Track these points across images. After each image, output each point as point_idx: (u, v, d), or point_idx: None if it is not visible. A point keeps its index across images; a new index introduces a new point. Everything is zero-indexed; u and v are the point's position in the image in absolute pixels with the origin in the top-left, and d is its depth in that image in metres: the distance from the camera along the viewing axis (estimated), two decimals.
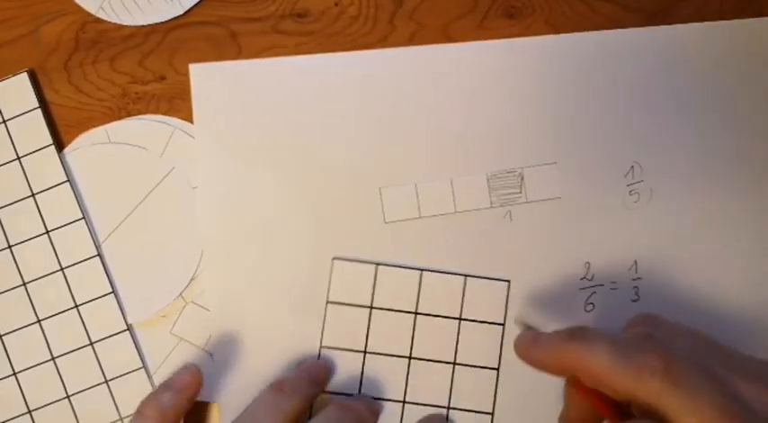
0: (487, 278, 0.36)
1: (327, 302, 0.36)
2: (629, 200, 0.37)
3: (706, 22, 0.37)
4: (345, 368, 0.36)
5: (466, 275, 0.36)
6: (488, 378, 0.36)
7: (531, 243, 0.36)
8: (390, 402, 0.36)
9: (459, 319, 0.36)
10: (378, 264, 0.36)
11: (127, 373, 0.37)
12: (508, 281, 0.36)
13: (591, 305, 0.36)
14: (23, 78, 0.37)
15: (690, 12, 0.38)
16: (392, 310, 0.36)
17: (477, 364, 0.36)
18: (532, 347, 0.30)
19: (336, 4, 0.38)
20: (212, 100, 0.37)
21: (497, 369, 0.36)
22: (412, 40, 0.38)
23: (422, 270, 0.36)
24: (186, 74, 0.38)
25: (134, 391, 0.36)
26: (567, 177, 0.37)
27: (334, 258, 0.36)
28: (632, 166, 0.37)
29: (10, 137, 0.37)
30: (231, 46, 0.38)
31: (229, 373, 0.36)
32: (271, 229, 0.37)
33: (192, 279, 0.37)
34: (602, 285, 0.36)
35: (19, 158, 0.37)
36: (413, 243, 0.36)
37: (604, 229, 0.36)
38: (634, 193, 0.37)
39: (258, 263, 0.36)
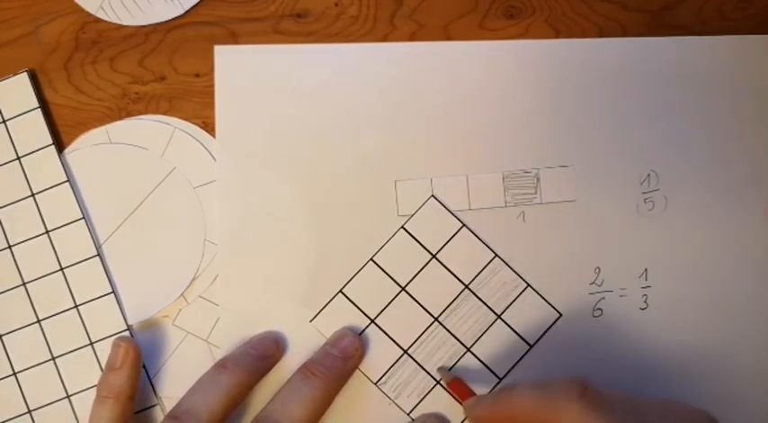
0: (545, 300, 0.36)
1: (402, 226, 0.36)
2: (644, 208, 0.37)
3: (730, 36, 0.37)
4: (376, 295, 0.36)
5: (529, 284, 0.36)
6: (488, 380, 0.36)
7: (542, 244, 0.36)
8: (395, 345, 0.36)
9: (499, 316, 0.36)
10: (462, 225, 0.36)
11: None
12: (560, 314, 0.36)
13: (599, 311, 0.36)
14: (23, 78, 0.37)
15: (690, 12, 0.38)
16: (449, 271, 0.36)
17: (487, 364, 0.36)
18: (472, 409, 0.32)
19: (336, 5, 0.38)
20: (234, 83, 0.37)
21: (500, 379, 0.36)
22: (412, 40, 0.38)
23: (496, 254, 0.36)
24: (186, 74, 0.38)
25: None
26: (582, 181, 0.37)
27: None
28: (649, 174, 0.37)
29: (10, 137, 0.37)
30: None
31: None
32: (285, 220, 0.37)
33: (193, 279, 0.37)
34: (612, 291, 0.36)
35: (19, 158, 0.37)
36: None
37: (617, 236, 0.36)
38: (649, 202, 0.37)
39: (272, 255, 0.36)
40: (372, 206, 0.37)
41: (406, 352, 0.36)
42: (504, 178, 0.37)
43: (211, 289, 0.37)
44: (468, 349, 0.36)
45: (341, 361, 0.35)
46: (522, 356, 0.36)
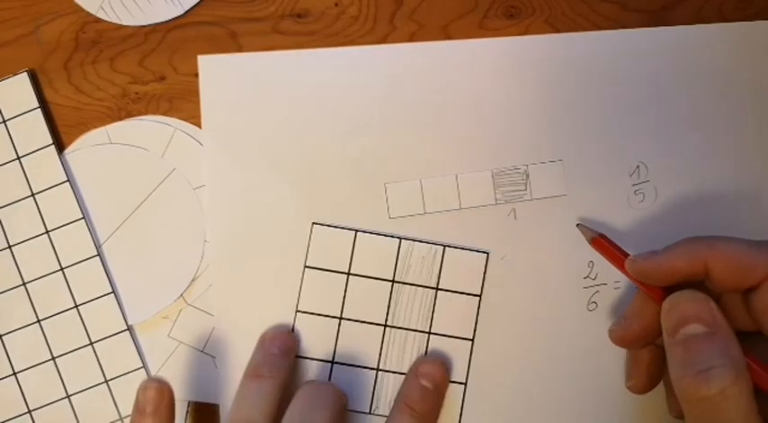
0: (466, 249, 0.36)
1: (305, 267, 0.36)
2: (635, 200, 0.37)
3: (714, 24, 0.37)
4: (320, 333, 0.36)
5: (445, 245, 0.36)
6: (462, 348, 0.36)
7: (534, 241, 0.36)
8: (365, 370, 0.36)
9: (437, 288, 0.36)
10: (357, 230, 0.36)
11: (127, 373, 0.37)
12: (487, 252, 0.36)
13: (594, 304, 0.36)
14: (23, 78, 0.37)
15: (690, 12, 0.38)
16: (370, 277, 0.36)
17: (452, 335, 0.36)
18: (653, 257, 0.31)
19: (336, 5, 0.38)
20: (219, 92, 0.37)
21: (472, 340, 0.36)
22: (412, 39, 0.38)
23: (400, 238, 0.36)
24: (186, 74, 0.38)
25: (134, 391, 0.36)
26: (572, 175, 0.37)
27: (313, 223, 0.36)
28: (638, 166, 0.37)
29: (10, 137, 0.37)
30: (231, 46, 0.38)
31: (231, 374, 0.36)
32: (275, 224, 0.37)
33: (192, 280, 0.37)
34: (606, 284, 0.36)
35: (19, 158, 0.37)
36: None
37: (609, 228, 0.36)
38: (639, 193, 0.37)
39: (261, 259, 0.36)
40: (363, 210, 0.37)
41: (378, 370, 0.36)
42: (493, 176, 0.37)
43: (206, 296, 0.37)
44: (429, 332, 0.36)
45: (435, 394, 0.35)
46: (479, 309, 0.36)
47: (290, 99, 0.37)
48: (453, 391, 0.36)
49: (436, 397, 0.35)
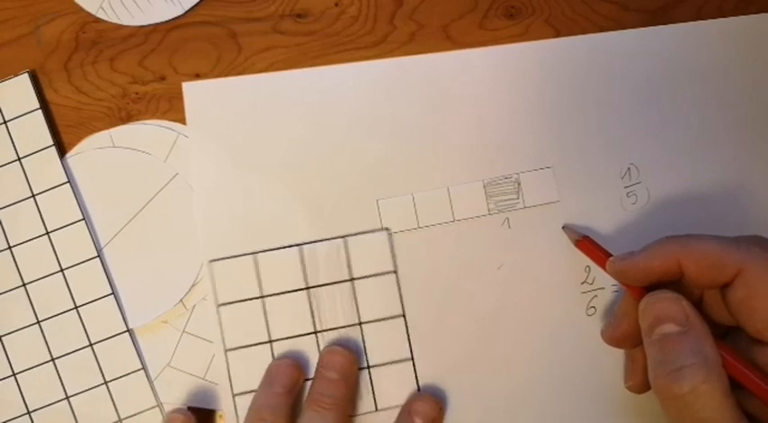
0: (365, 232, 0.36)
1: (218, 306, 0.36)
2: (627, 202, 0.37)
3: (702, 21, 0.37)
4: (256, 362, 0.36)
5: (344, 236, 0.36)
6: (398, 326, 0.36)
7: (530, 248, 0.36)
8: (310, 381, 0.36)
9: (351, 279, 0.36)
10: (255, 253, 0.36)
11: (126, 375, 0.36)
12: (387, 228, 0.36)
13: (593, 309, 0.36)
14: (24, 79, 0.37)
15: (690, 12, 0.38)
16: (283, 292, 0.36)
17: (383, 317, 0.36)
18: (631, 257, 0.31)
19: (336, 5, 0.38)
20: (206, 116, 0.37)
21: (403, 315, 0.36)
22: (412, 40, 0.38)
23: (299, 245, 0.36)
24: (186, 74, 0.38)
25: (133, 393, 0.36)
26: (564, 181, 0.37)
27: (210, 261, 0.36)
28: (629, 168, 0.37)
29: (10, 138, 0.37)
30: (231, 46, 0.38)
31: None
32: (268, 243, 0.36)
33: (193, 285, 0.37)
34: (603, 289, 0.36)
35: (19, 159, 0.37)
36: (414, 253, 0.36)
37: (603, 232, 0.36)
38: (632, 195, 0.37)
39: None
40: (356, 226, 0.36)
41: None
42: (485, 186, 0.37)
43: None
44: (360, 323, 0.36)
45: (343, 384, 0.34)
46: (399, 285, 0.36)
47: (278, 119, 0.37)
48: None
49: (343, 387, 0.34)
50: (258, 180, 0.37)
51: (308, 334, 0.36)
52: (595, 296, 0.36)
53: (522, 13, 0.38)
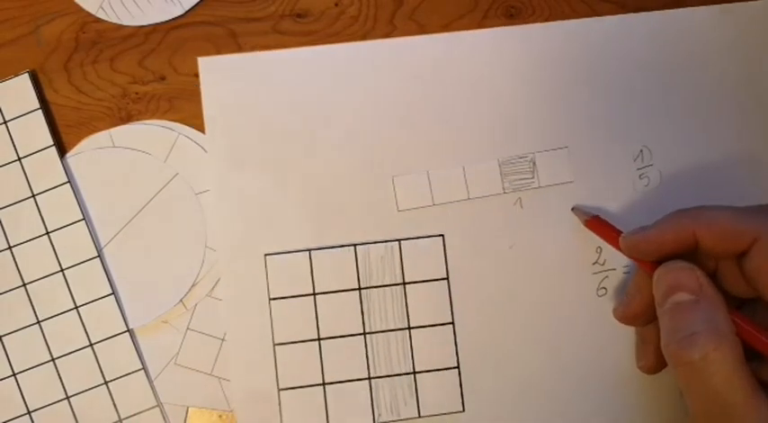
0: (421, 237, 0.36)
1: (270, 299, 0.36)
2: (640, 184, 0.37)
3: (717, 5, 0.37)
4: (304, 359, 0.36)
5: (399, 240, 0.36)
6: (446, 334, 0.36)
7: (542, 228, 0.36)
8: (358, 382, 0.36)
9: (404, 283, 0.36)
10: (310, 250, 0.36)
11: (126, 375, 0.36)
12: (441, 235, 0.36)
13: (603, 290, 0.36)
14: (24, 79, 0.37)
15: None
16: (336, 291, 0.36)
17: (432, 323, 0.36)
18: (644, 232, 0.31)
19: (336, 5, 0.38)
20: (221, 92, 0.37)
21: (452, 323, 0.36)
22: None
23: (354, 245, 0.36)
24: (186, 74, 0.38)
25: (133, 393, 0.36)
26: (578, 162, 0.37)
27: (265, 255, 0.36)
28: (641, 150, 0.37)
29: (11, 138, 0.37)
30: (231, 46, 0.38)
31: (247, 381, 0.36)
32: (282, 221, 0.36)
33: (193, 285, 0.37)
34: (615, 270, 0.36)
35: (20, 159, 0.37)
36: (427, 231, 0.36)
37: (615, 213, 0.37)
38: (644, 177, 0.37)
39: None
40: (371, 204, 0.37)
41: (370, 379, 0.36)
42: (500, 165, 0.37)
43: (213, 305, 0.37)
44: (409, 328, 0.36)
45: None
46: (450, 292, 0.36)
47: (293, 96, 0.37)
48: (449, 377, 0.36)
49: None
50: (272, 158, 0.37)
51: (357, 334, 0.36)
52: (606, 277, 0.36)
53: (522, 13, 0.38)
